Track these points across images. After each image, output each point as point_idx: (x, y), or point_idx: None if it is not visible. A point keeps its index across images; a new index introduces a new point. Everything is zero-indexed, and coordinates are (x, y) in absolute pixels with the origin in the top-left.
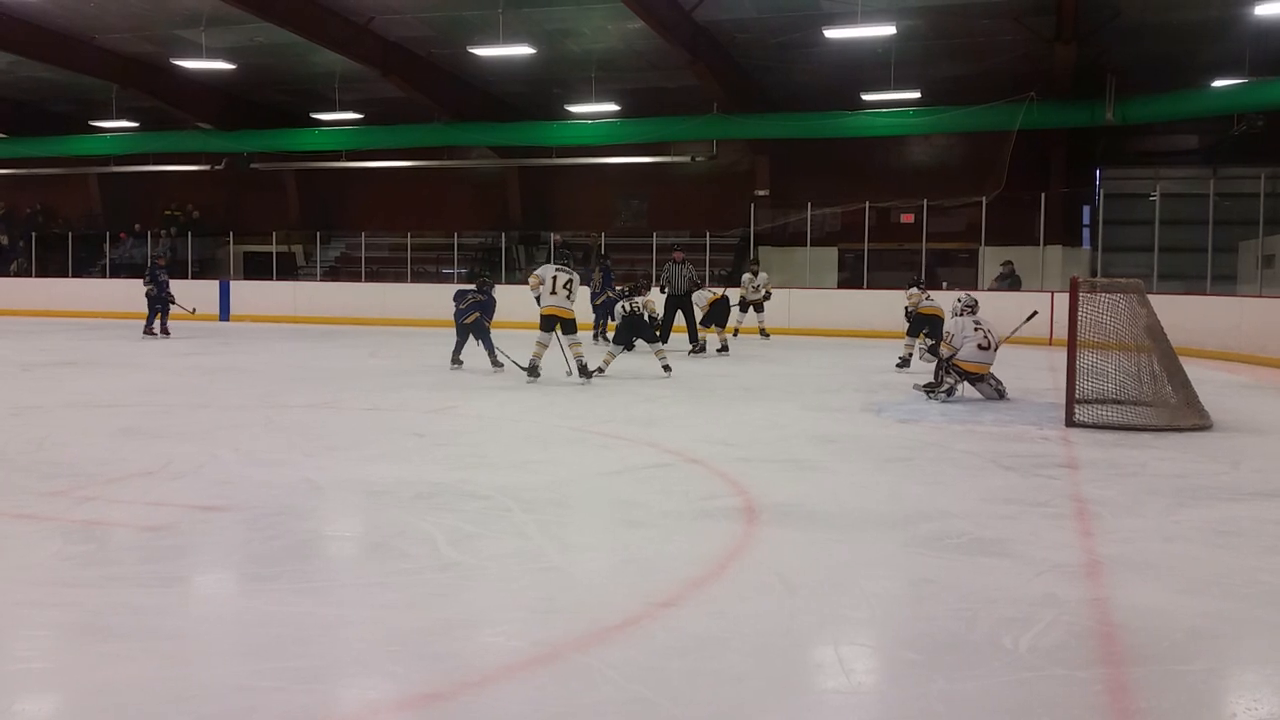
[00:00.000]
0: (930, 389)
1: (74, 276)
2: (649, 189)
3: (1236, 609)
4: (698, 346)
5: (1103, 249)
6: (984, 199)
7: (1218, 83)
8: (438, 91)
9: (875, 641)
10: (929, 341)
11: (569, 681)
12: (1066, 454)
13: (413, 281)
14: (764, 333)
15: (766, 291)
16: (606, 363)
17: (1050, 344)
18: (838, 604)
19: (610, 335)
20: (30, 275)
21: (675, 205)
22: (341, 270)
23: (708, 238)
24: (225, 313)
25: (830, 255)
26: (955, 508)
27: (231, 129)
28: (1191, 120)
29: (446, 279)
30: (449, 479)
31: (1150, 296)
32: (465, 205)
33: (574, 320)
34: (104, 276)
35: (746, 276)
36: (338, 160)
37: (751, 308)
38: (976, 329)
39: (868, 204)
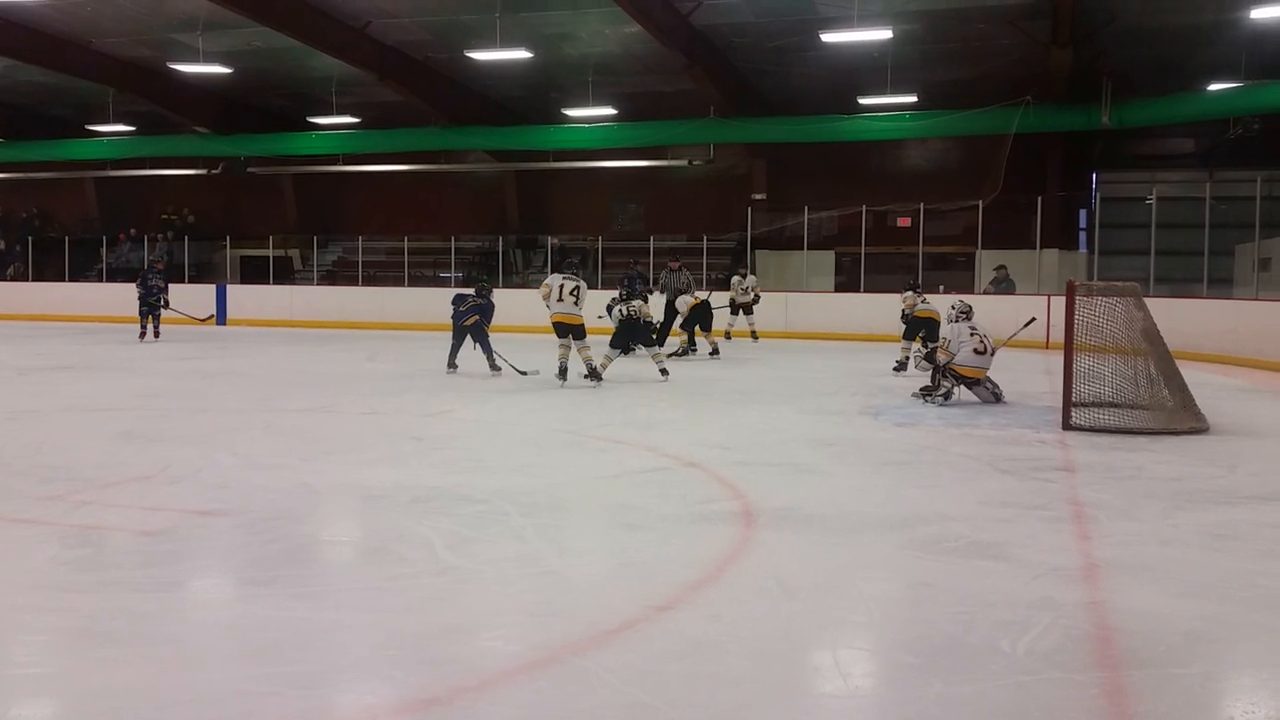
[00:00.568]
0: (927, 392)
1: (70, 281)
2: (646, 193)
3: (1233, 612)
4: (682, 349)
5: (1099, 252)
6: (981, 202)
7: (1213, 86)
8: (435, 95)
9: (873, 645)
10: (928, 347)
11: (567, 685)
12: (1063, 457)
13: (410, 285)
14: (754, 335)
15: (756, 294)
16: (604, 366)
17: (1047, 347)
18: (835, 607)
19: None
20: (27, 279)
21: (672, 209)
22: (339, 274)
23: (705, 242)
24: (222, 317)
25: (827, 259)
26: (952, 511)
27: (228, 133)
28: (1187, 124)
29: (444, 283)
30: (446, 483)
31: (1146, 300)
32: (462, 209)
33: (583, 326)
34: (100, 281)
35: (736, 279)
36: (335, 164)
37: (742, 310)
38: (973, 334)
39: (864, 208)
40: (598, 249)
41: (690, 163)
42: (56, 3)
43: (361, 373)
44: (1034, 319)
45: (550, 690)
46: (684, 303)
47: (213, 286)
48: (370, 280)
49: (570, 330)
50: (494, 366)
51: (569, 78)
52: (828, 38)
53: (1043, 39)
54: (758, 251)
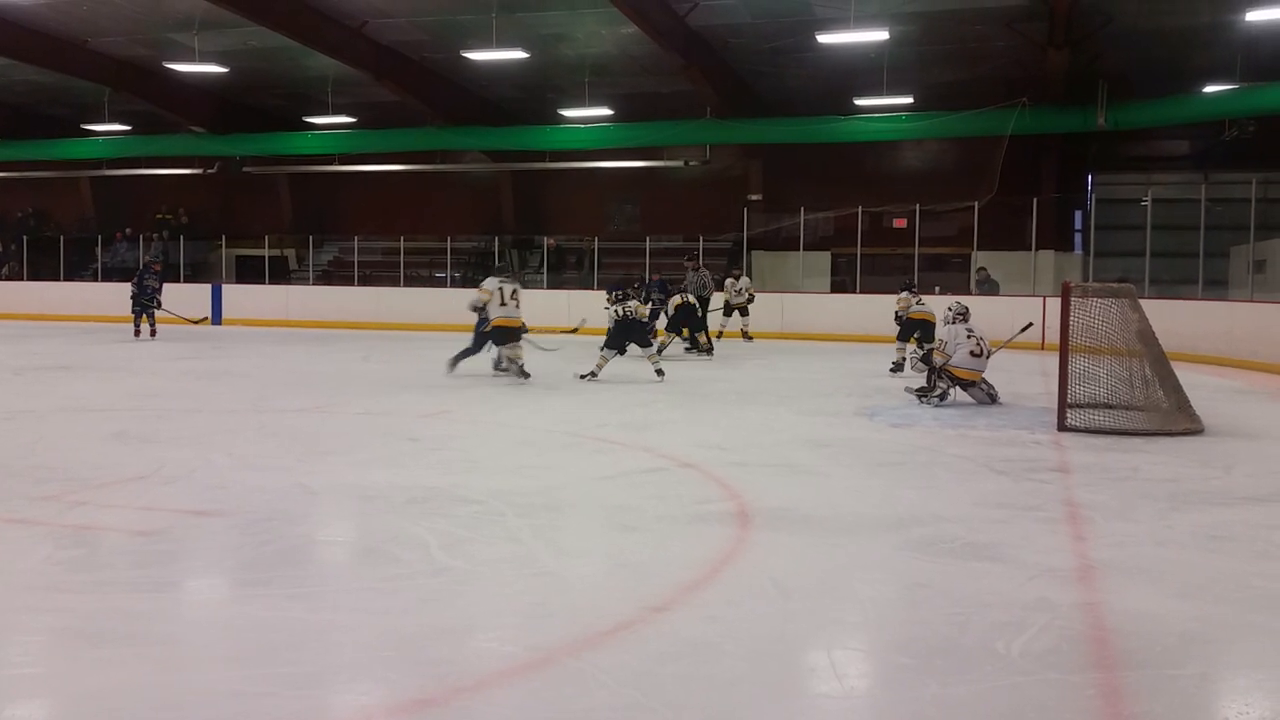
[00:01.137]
0: (923, 393)
1: (66, 280)
2: (642, 193)
3: (1229, 614)
4: (702, 347)
5: (1094, 254)
6: (976, 204)
7: (1209, 88)
8: (431, 95)
9: (868, 646)
10: (923, 349)
11: (562, 686)
12: (1059, 458)
13: (406, 285)
14: (746, 335)
15: (750, 295)
16: (600, 367)
17: (1042, 349)
18: (831, 608)
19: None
20: (22, 279)
21: (668, 210)
22: (334, 274)
23: (701, 242)
24: (218, 317)
25: (823, 260)
26: (948, 512)
27: (224, 133)
28: (1183, 126)
29: (439, 283)
30: (442, 484)
31: (1142, 301)
32: (458, 209)
33: (521, 328)
34: (96, 280)
35: (729, 281)
36: (331, 164)
37: (736, 311)
38: (969, 336)
39: (860, 209)
40: (594, 249)
41: (686, 163)
42: (53, 2)
43: (357, 373)
44: (1031, 324)
45: (546, 691)
46: (671, 303)
47: (208, 286)
48: (366, 280)
49: (514, 334)
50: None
51: (565, 78)
52: (824, 39)
53: (1039, 41)
54: (754, 252)
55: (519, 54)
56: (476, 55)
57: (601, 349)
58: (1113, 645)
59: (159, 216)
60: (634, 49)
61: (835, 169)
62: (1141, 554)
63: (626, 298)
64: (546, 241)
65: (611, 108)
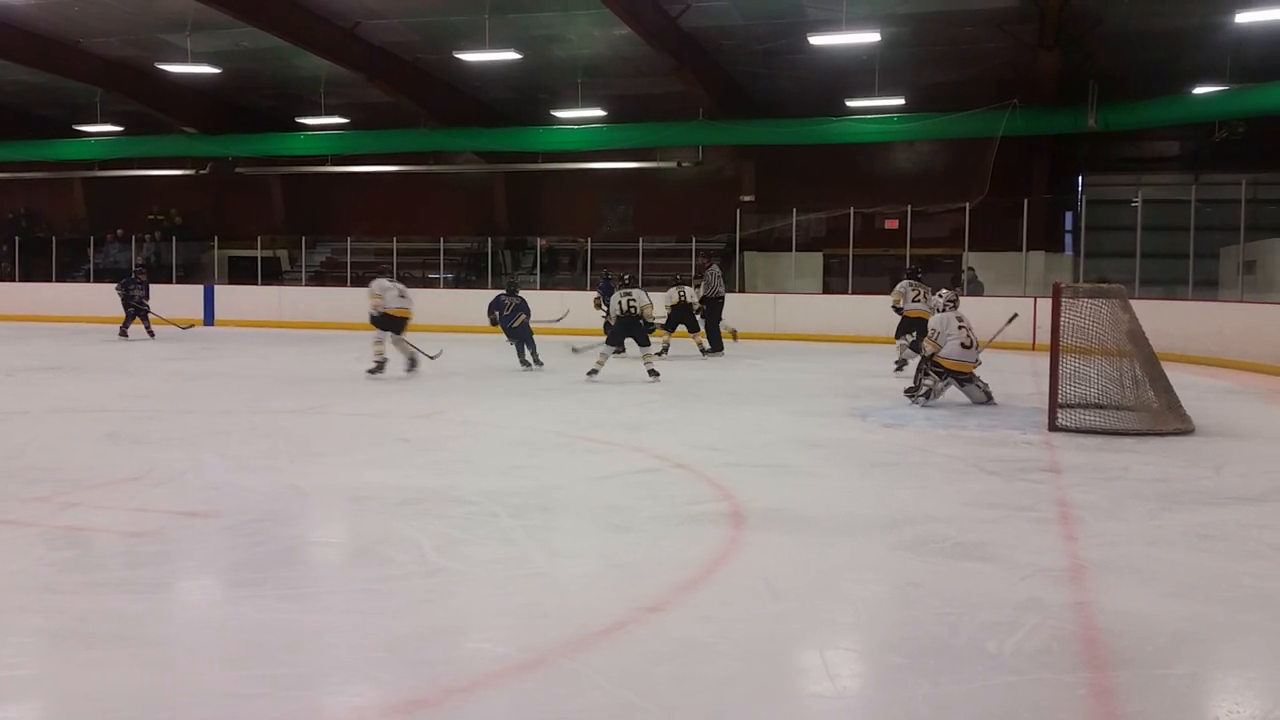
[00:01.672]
0: (911, 393)
1: (58, 281)
2: (635, 194)
3: (1219, 613)
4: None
5: (1085, 255)
6: (968, 205)
7: (1199, 90)
8: (424, 96)
9: (860, 646)
10: (910, 337)
11: (556, 687)
12: (1050, 458)
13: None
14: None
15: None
16: (600, 364)
17: (1033, 349)
18: (823, 608)
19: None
20: (14, 280)
21: (661, 210)
22: (327, 275)
23: (694, 243)
24: (210, 317)
25: (815, 260)
26: (940, 512)
27: (216, 133)
28: (1173, 127)
29: (433, 284)
30: (435, 484)
31: (1132, 302)
32: (451, 210)
33: (407, 319)
34: (88, 281)
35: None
36: (323, 165)
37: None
38: (960, 327)
39: (852, 209)
40: (587, 250)
41: (679, 164)
42: (44, 2)
43: (350, 373)
44: (1016, 315)
45: (539, 692)
46: (664, 304)
47: (200, 287)
48: (359, 281)
49: (403, 323)
50: (537, 362)
51: (558, 79)
52: (816, 40)
53: (1030, 42)
54: (746, 253)
55: (512, 55)
56: (469, 56)
57: (602, 346)
58: (1104, 645)
59: (151, 217)
60: (627, 50)
61: (827, 170)
62: (1132, 554)
63: (629, 289)
64: (540, 242)
65: (604, 109)
